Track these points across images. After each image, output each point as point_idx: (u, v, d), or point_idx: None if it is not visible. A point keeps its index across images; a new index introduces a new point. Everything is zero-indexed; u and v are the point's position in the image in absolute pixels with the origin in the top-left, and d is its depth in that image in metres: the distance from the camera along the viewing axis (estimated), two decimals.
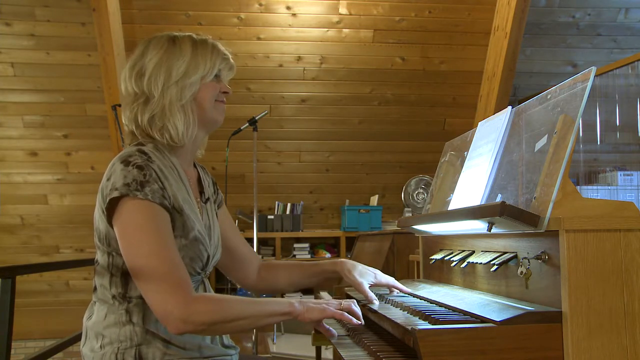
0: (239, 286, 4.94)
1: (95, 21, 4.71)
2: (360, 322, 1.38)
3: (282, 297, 5.49)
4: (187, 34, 1.45)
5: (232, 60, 1.49)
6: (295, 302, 1.35)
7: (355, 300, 1.44)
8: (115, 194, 1.25)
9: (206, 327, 1.24)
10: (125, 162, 1.28)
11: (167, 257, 1.25)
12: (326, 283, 1.84)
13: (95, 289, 1.37)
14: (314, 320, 1.35)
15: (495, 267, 1.31)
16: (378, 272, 1.67)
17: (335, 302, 1.40)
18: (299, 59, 5.33)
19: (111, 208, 1.27)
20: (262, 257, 5.64)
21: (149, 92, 1.37)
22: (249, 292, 4.94)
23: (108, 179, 1.28)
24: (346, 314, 1.37)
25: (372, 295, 1.56)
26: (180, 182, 1.38)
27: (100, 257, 1.36)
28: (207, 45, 1.43)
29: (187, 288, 1.24)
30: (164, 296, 1.22)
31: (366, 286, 1.59)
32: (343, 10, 5.19)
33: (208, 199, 1.51)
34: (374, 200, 5.91)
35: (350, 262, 1.64)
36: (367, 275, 1.62)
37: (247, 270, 1.66)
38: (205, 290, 1.45)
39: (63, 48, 5.00)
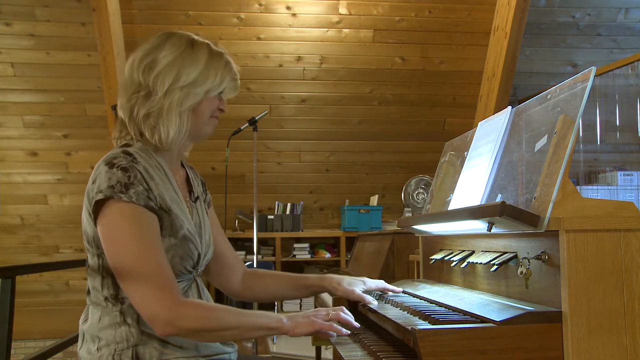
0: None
1: (95, 21, 4.71)
2: (348, 332, 1.38)
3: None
4: (205, 40, 1.42)
5: (238, 82, 1.47)
6: (284, 317, 1.34)
7: (344, 307, 1.44)
8: (100, 196, 1.25)
9: (191, 333, 1.25)
10: (110, 164, 1.28)
11: (152, 260, 1.24)
12: (313, 296, 1.82)
13: (88, 292, 1.37)
14: (304, 334, 1.34)
15: (495, 267, 1.31)
16: (366, 278, 1.68)
17: (324, 311, 1.39)
18: (299, 59, 5.33)
19: (97, 210, 1.27)
20: (262, 257, 5.64)
21: (153, 87, 1.35)
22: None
23: (93, 182, 1.28)
24: (335, 325, 1.37)
25: (368, 297, 1.57)
26: (167, 181, 1.37)
27: (90, 259, 1.36)
28: (221, 59, 1.41)
29: (173, 291, 1.24)
30: (150, 299, 1.22)
31: (359, 291, 1.59)
32: (343, 10, 5.19)
33: (197, 197, 1.51)
34: (374, 200, 5.91)
35: (337, 277, 1.64)
36: (356, 284, 1.62)
37: (231, 275, 1.64)
38: (198, 289, 1.44)
39: (63, 48, 5.00)
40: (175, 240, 1.32)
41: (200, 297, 1.43)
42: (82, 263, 4.51)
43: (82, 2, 4.78)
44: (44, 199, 5.53)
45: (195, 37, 1.42)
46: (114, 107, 4.54)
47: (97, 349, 1.30)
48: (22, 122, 5.26)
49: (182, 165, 1.53)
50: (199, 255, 1.40)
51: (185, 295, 1.37)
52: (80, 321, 1.39)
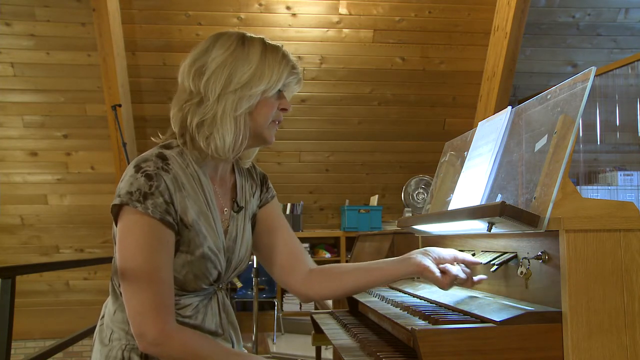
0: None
1: (95, 21, 4.71)
2: None
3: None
4: (258, 36, 1.33)
5: (300, 75, 1.37)
6: None
7: None
8: (117, 201, 1.23)
9: None
10: (137, 167, 1.23)
11: (156, 278, 1.21)
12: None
13: (112, 278, 1.36)
14: None
15: (495, 267, 1.31)
16: (433, 250, 1.44)
17: None
18: (299, 59, 5.32)
19: (115, 213, 1.25)
20: None
21: (205, 93, 1.27)
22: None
23: (121, 181, 1.25)
24: None
25: (468, 258, 1.39)
26: (200, 192, 1.30)
27: (114, 253, 1.35)
28: (277, 53, 1.31)
29: (167, 316, 1.22)
30: (143, 317, 1.20)
31: (453, 255, 1.39)
32: (343, 10, 5.19)
33: (241, 208, 1.41)
34: (374, 200, 5.91)
35: (413, 264, 1.41)
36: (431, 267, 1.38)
37: (293, 272, 1.47)
38: (218, 303, 1.38)
39: (63, 48, 5.00)
40: (191, 257, 1.27)
41: (220, 311, 1.38)
42: (82, 263, 4.51)
43: (82, 2, 4.78)
44: (44, 199, 5.53)
45: (247, 33, 1.33)
46: (114, 107, 4.55)
47: (109, 340, 1.31)
48: (22, 122, 5.26)
49: (234, 170, 1.44)
50: (219, 274, 1.33)
51: (205, 309, 1.33)
52: (105, 303, 1.39)
